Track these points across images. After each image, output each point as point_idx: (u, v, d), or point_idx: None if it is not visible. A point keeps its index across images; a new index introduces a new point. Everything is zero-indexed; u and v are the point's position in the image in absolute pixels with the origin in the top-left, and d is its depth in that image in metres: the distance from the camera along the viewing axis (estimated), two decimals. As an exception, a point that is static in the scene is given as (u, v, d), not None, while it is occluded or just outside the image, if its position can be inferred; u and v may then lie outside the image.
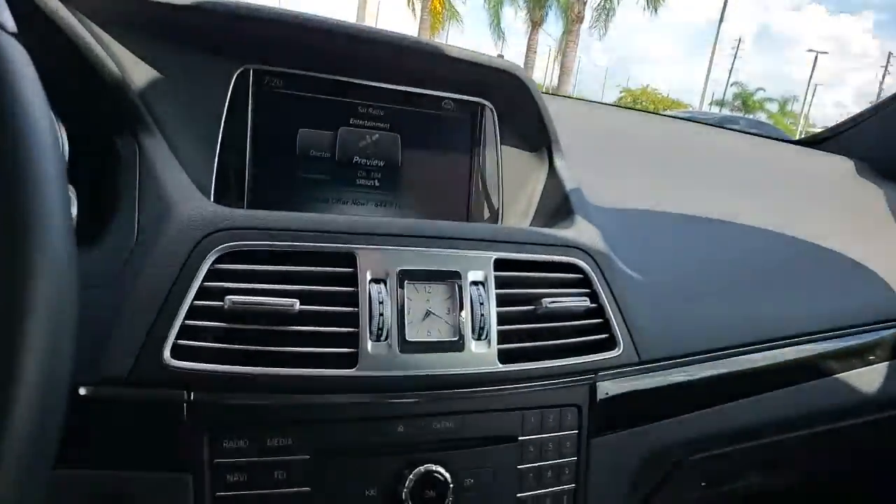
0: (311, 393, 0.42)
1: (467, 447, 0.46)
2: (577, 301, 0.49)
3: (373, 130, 0.54)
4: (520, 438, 0.47)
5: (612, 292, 0.51)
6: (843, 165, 0.90)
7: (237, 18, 0.47)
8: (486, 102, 0.57)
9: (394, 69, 0.53)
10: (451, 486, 0.44)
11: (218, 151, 0.48)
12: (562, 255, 0.50)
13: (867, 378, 0.66)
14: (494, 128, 0.57)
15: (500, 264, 0.47)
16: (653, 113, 1.03)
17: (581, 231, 0.52)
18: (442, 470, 0.44)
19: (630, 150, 0.75)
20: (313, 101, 0.52)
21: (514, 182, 0.57)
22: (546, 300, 0.47)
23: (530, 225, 0.56)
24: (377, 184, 0.54)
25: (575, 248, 0.50)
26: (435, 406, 0.45)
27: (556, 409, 0.49)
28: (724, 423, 0.58)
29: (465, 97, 0.56)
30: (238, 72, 0.49)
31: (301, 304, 0.41)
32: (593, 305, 0.50)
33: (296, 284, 0.42)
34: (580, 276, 0.50)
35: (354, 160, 0.53)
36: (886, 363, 0.68)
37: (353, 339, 0.42)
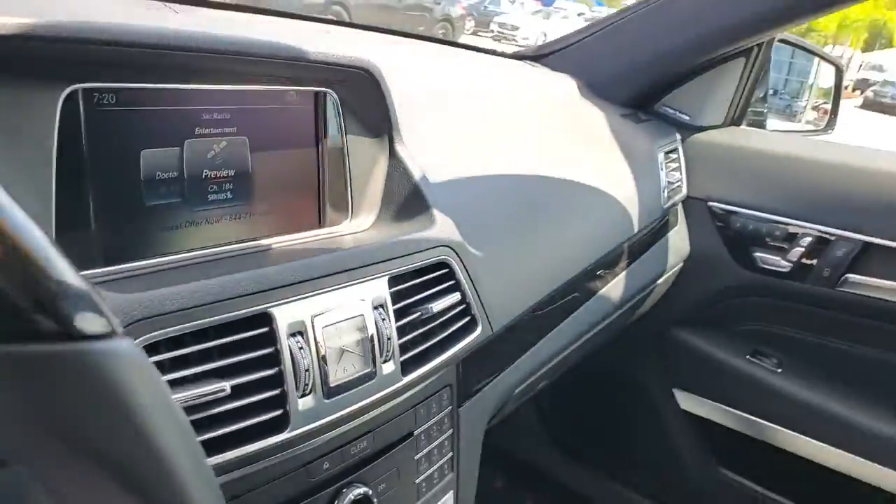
0: (245, 467, 0.40)
1: (379, 457, 0.49)
2: (451, 296, 0.53)
3: (220, 137, 0.47)
4: (415, 432, 0.52)
5: (470, 278, 0.56)
6: (568, 84, 1.03)
7: (56, 40, 0.36)
8: (329, 90, 0.53)
9: (236, 72, 0.46)
10: (374, 499, 0.48)
11: (54, 190, 0.39)
12: (435, 257, 0.53)
13: (617, 285, 0.85)
14: (338, 117, 0.54)
15: (391, 281, 0.48)
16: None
17: (441, 227, 0.55)
18: (364, 489, 0.47)
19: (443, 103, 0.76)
20: (153, 114, 0.43)
21: (364, 172, 0.56)
22: (430, 304, 0.50)
23: (379, 215, 0.57)
24: (229, 195, 0.49)
25: (441, 246, 0.53)
26: (353, 433, 0.46)
27: (436, 394, 0.55)
28: (539, 356, 0.70)
29: (307, 88, 0.52)
30: (65, 94, 0.38)
31: (225, 380, 0.38)
32: (459, 296, 0.54)
33: (213, 362, 0.38)
34: (448, 270, 0.54)
35: (204, 174, 0.47)
36: (624, 271, 0.88)
37: (282, 400, 0.41)
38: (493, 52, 1.15)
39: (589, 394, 1.24)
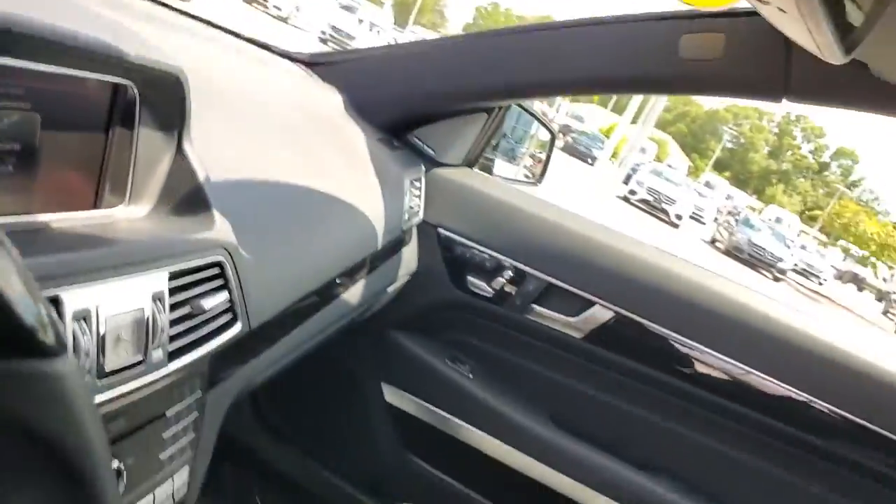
0: None
1: (132, 434, 0.52)
2: (220, 295, 0.58)
3: (11, 111, 0.46)
4: (166, 413, 0.56)
5: (238, 279, 0.61)
6: (335, 98, 1.12)
7: None
8: (128, 82, 0.54)
9: (39, 54, 0.46)
10: (123, 471, 0.51)
11: None
12: (211, 257, 0.57)
13: (356, 291, 0.95)
14: (135, 108, 0.56)
15: (171, 276, 0.52)
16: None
17: (220, 229, 0.59)
18: (116, 463, 0.50)
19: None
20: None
21: (149, 163, 0.58)
22: (202, 300, 0.55)
23: (156, 206, 0.59)
24: (11, 169, 0.48)
25: (219, 247, 0.58)
26: (114, 413, 0.49)
27: (189, 380, 0.59)
28: (281, 350, 0.77)
29: (108, 78, 0.53)
30: None
31: None
32: (227, 294, 0.59)
33: None
34: (220, 271, 0.59)
35: (-13, 145, 0.46)
36: (363, 279, 0.98)
37: None
38: (268, 48, 1.18)
39: (304, 380, 1.34)
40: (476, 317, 1.24)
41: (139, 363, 0.49)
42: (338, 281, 0.90)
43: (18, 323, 0.22)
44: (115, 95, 0.54)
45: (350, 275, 0.94)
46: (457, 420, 1.22)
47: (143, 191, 0.58)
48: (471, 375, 1.24)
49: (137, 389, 0.50)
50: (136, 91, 0.55)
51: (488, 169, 1.37)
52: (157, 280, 0.51)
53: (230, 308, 0.60)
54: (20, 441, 0.23)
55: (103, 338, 0.46)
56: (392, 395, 1.28)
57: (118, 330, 0.47)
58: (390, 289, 1.14)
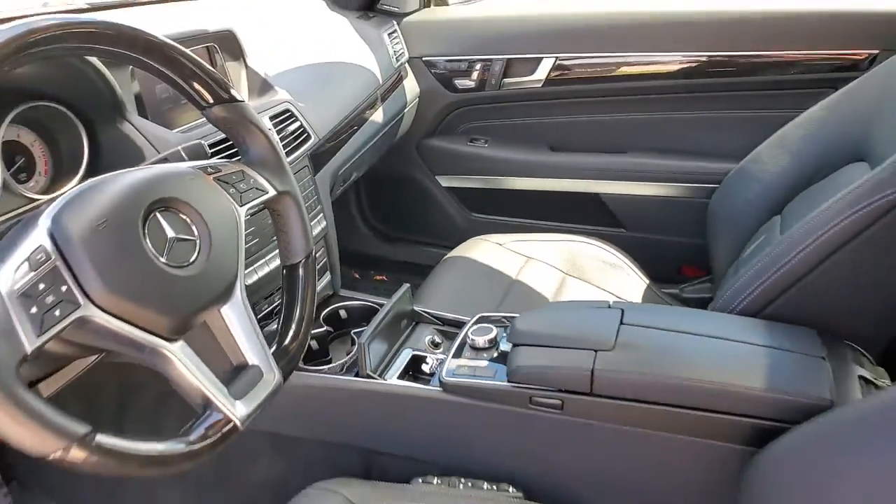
0: None
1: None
2: (294, 124, 1.17)
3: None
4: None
5: (302, 115, 1.20)
6: (319, 2, 1.64)
7: None
8: (213, 44, 1.11)
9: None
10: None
11: None
12: (282, 106, 1.16)
13: (379, 113, 1.53)
14: (219, 53, 1.13)
15: (270, 118, 1.11)
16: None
17: (281, 94, 1.17)
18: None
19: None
20: None
21: (237, 76, 1.16)
22: (289, 126, 1.15)
23: (249, 95, 1.18)
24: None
25: (285, 102, 1.17)
26: None
27: (303, 168, 1.19)
28: (347, 153, 1.38)
29: (207, 45, 1.10)
30: None
31: None
32: (298, 123, 1.18)
33: None
34: (290, 112, 1.17)
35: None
36: (380, 106, 1.55)
37: None
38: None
39: (389, 193, 1.96)
40: (472, 105, 1.78)
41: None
42: (363, 109, 1.47)
43: None
44: (209, 53, 1.12)
45: (371, 105, 1.51)
46: (486, 176, 1.80)
47: (240, 89, 1.17)
48: (487, 144, 1.81)
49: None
50: (217, 47, 1.12)
51: (444, 2, 1.87)
52: (267, 119, 1.09)
53: (304, 130, 1.19)
54: None
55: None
56: (444, 181, 1.87)
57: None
58: (406, 109, 1.70)
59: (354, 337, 1.08)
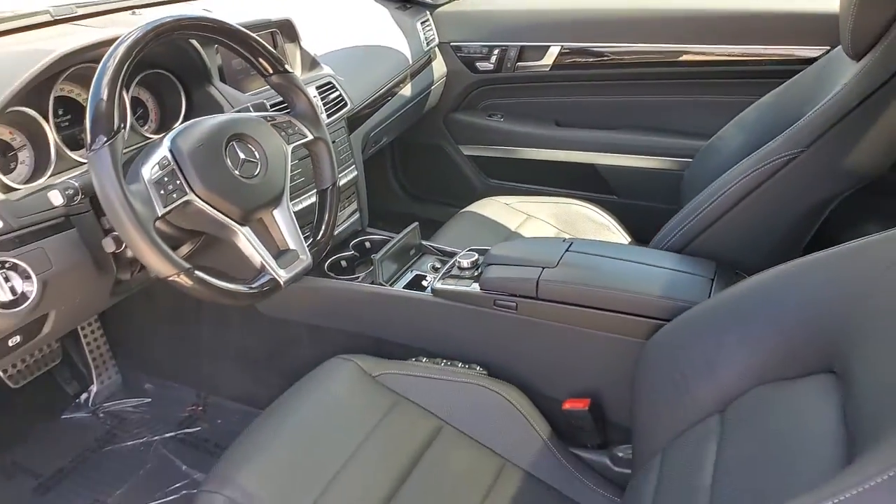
0: None
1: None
2: (335, 93, 1.51)
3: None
4: (336, 140, 1.52)
5: (342, 86, 1.53)
6: None
7: None
8: (276, 29, 1.46)
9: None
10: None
11: None
12: (326, 79, 1.50)
13: (409, 88, 1.87)
14: (279, 37, 1.48)
15: (317, 88, 1.45)
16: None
17: (326, 70, 1.51)
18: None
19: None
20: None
21: (292, 55, 1.51)
22: (329, 95, 1.48)
23: (302, 71, 1.52)
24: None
25: (328, 76, 1.51)
26: None
27: (340, 129, 1.53)
28: (379, 117, 1.72)
29: (268, 30, 1.45)
30: None
31: None
32: (338, 91, 1.52)
33: None
34: (333, 85, 1.51)
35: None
36: (409, 82, 1.88)
37: None
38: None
39: (416, 161, 2.29)
40: (491, 85, 2.09)
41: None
42: (394, 84, 1.80)
43: None
44: (272, 36, 1.46)
45: (401, 81, 1.83)
46: (501, 147, 2.11)
47: (294, 65, 1.51)
48: (502, 119, 2.12)
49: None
50: (279, 32, 1.46)
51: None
52: (313, 88, 1.43)
53: (342, 98, 1.52)
54: None
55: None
56: (466, 150, 2.19)
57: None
58: (433, 87, 2.02)
59: (374, 259, 1.41)
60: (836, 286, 0.79)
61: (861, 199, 1.19)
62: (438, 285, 1.28)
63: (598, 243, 1.33)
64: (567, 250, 1.23)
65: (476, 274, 1.29)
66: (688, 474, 0.82)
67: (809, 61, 1.50)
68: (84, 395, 1.74)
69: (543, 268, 1.19)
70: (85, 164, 1.03)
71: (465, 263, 1.31)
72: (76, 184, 0.92)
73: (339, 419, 1.08)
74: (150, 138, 1.16)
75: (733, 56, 1.76)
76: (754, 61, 1.74)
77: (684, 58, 1.81)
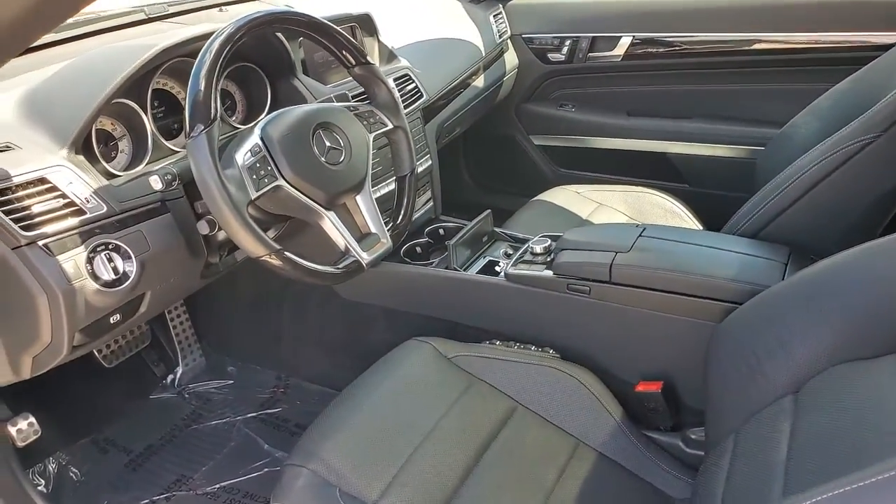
0: None
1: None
2: (411, 85, 1.55)
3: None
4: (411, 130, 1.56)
5: (419, 80, 1.58)
6: None
7: None
8: (356, 24, 1.51)
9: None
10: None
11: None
12: (403, 72, 1.54)
13: (481, 78, 1.90)
14: (359, 30, 1.53)
15: (394, 80, 1.50)
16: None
17: (403, 62, 1.56)
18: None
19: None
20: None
21: (370, 47, 1.56)
22: (406, 86, 1.53)
23: (380, 61, 1.57)
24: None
25: (405, 69, 1.55)
26: None
27: (417, 119, 1.58)
28: (452, 108, 1.76)
29: (349, 24, 1.50)
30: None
31: None
32: (414, 85, 1.56)
33: None
34: (409, 77, 1.56)
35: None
36: (482, 74, 1.91)
37: None
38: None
39: (486, 148, 2.32)
40: (562, 76, 2.10)
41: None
42: (467, 76, 1.83)
43: None
44: (353, 30, 1.51)
45: (474, 73, 1.87)
46: (572, 136, 2.12)
47: (373, 57, 1.56)
48: (573, 109, 2.12)
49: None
50: (359, 26, 1.52)
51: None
52: (391, 80, 1.47)
53: (418, 89, 1.56)
54: None
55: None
56: (537, 140, 2.21)
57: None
58: (505, 78, 2.04)
59: (447, 245, 1.45)
60: None
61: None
62: (511, 270, 1.30)
63: (671, 229, 1.33)
64: (640, 235, 1.23)
65: (549, 259, 1.31)
66: (762, 452, 0.82)
67: (886, 48, 1.45)
68: (170, 377, 1.83)
69: (617, 252, 1.20)
70: (178, 152, 1.11)
71: (538, 249, 1.33)
72: (175, 170, 0.99)
73: (416, 398, 1.11)
74: (238, 128, 1.23)
75: (807, 44, 1.71)
76: (828, 48, 1.70)
77: (756, 46, 1.78)
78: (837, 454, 0.71)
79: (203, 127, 0.88)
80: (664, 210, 1.74)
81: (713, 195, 1.90)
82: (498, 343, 1.30)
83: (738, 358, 0.97)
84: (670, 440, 1.17)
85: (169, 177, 0.96)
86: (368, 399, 1.09)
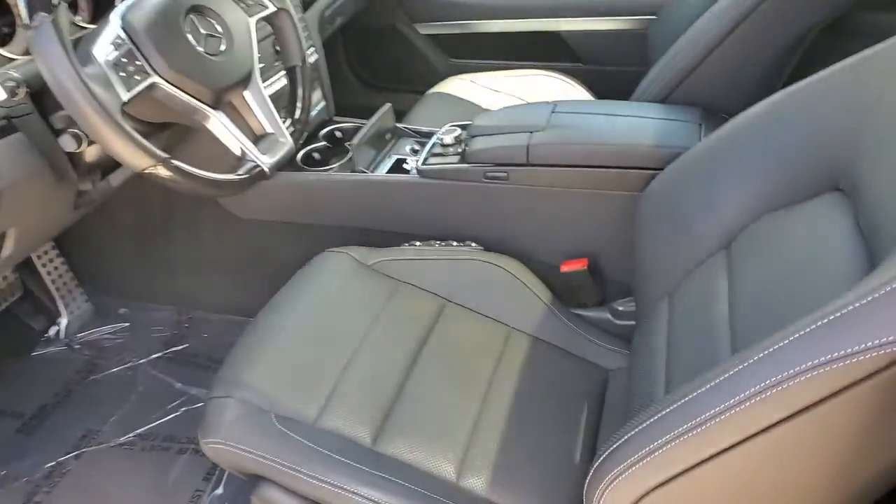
0: None
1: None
2: None
3: None
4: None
5: None
6: None
7: None
8: None
9: None
10: None
11: None
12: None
13: None
14: None
15: None
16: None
17: None
18: None
19: None
20: None
21: None
22: None
23: None
24: None
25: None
26: None
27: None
28: None
29: None
30: None
31: None
32: None
33: None
34: None
35: None
36: None
37: None
38: None
39: (372, 40, 2.16)
40: None
41: None
42: None
43: None
44: None
45: None
46: (461, 21, 2.00)
47: None
48: None
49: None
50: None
51: None
52: None
53: None
54: None
55: None
56: (423, 28, 2.08)
57: None
58: None
59: (349, 147, 1.34)
60: (834, 104, 0.79)
61: (829, 43, 1.18)
62: (423, 166, 1.23)
63: (583, 102, 1.29)
64: (553, 112, 1.18)
65: (461, 150, 1.24)
66: (702, 308, 0.82)
67: None
68: (54, 329, 1.66)
69: (532, 132, 1.14)
70: (16, 59, 0.92)
71: (448, 140, 1.26)
72: (17, 75, 0.81)
73: (340, 310, 1.05)
74: (86, 27, 1.04)
75: None
76: None
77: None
78: (780, 301, 0.71)
79: (47, 14, 0.72)
80: (562, 91, 1.70)
81: (608, 72, 1.88)
82: (418, 244, 1.24)
83: (666, 221, 0.96)
84: (599, 315, 1.17)
85: (12, 83, 0.79)
86: (289, 318, 1.02)
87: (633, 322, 1.09)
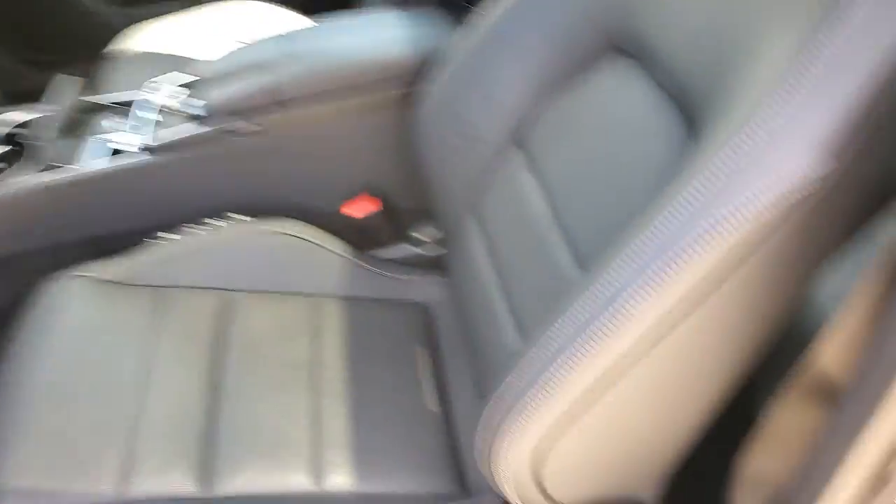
0: None
1: None
2: None
3: None
4: None
5: None
6: None
7: None
8: None
9: None
10: None
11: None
12: None
13: None
14: None
15: None
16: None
17: None
18: None
19: None
20: None
21: None
22: None
23: None
24: None
25: None
26: None
27: None
28: None
29: None
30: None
31: None
32: None
33: None
34: None
35: None
36: None
37: None
38: None
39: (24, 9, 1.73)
40: None
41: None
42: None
43: None
44: None
45: None
46: None
47: None
48: None
49: None
50: None
51: None
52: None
53: None
54: None
55: None
56: None
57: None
58: None
59: (20, 140, 1.03)
60: None
61: None
62: (151, 142, 0.99)
63: (311, 29, 1.12)
64: (291, 43, 1.02)
65: (195, 112, 1.01)
66: (517, 216, 0.78)
67: None
68: None
69: (277, 72, 0.97)
70: None
71: (175, 105, 1.03)
72: None
73: (96, 347, 0.82)
74: None
75: None
76: None
77: None
78: (600, 183, 0.68)
79: None
80: (270, 17, 1.51)
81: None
82: (169, 236, 1.01)
83: (450, 133, 0.89)
84: (403, 252, 1.08)
85: None
86: (30, 378, 0.78)
87: (441, 250, 1.01)
